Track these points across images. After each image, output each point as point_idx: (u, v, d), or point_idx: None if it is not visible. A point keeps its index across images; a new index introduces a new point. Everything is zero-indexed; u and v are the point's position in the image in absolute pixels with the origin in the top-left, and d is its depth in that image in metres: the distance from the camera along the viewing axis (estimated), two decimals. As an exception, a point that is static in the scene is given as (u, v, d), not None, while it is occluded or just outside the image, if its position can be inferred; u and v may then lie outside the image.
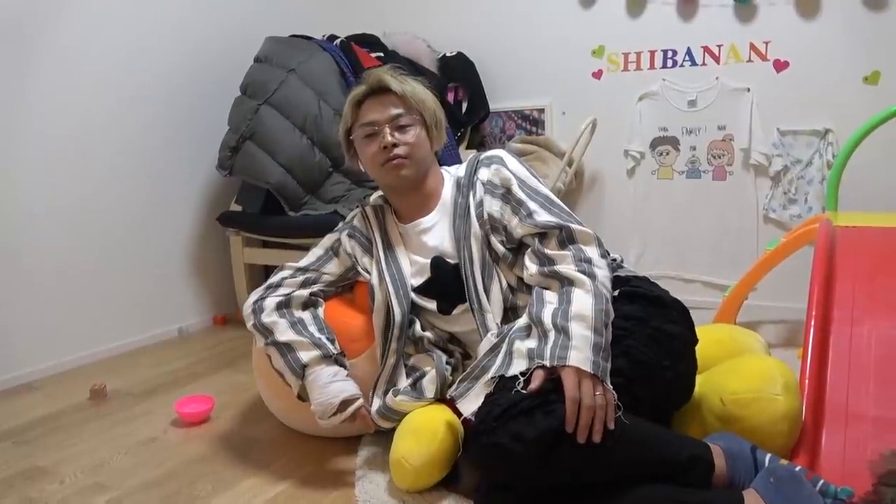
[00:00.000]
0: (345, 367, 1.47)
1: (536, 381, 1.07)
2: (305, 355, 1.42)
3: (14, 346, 2.16)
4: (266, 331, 1.48)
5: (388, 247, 1.53)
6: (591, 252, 1.27)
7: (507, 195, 1.40)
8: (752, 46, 2.48)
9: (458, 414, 1.34)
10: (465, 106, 2.89)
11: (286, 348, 1.44)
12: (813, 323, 1.42)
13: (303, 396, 1.44)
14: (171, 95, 2.61)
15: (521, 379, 1.09)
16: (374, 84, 1.46)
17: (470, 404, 1.16)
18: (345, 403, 1.39)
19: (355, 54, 2.68)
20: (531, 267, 1.31)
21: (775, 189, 2.53)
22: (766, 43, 2.46)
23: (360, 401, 1.41)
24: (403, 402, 1.43)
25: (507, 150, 1.51)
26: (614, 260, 1.41)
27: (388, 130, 1.42)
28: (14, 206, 2.15)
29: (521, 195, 1.38)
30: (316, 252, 1.61)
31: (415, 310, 1.51)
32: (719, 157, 2.60)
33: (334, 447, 1.58)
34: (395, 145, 1.42)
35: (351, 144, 1.53)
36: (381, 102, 1.45)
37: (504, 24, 2.91)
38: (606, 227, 2.77)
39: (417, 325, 1.50)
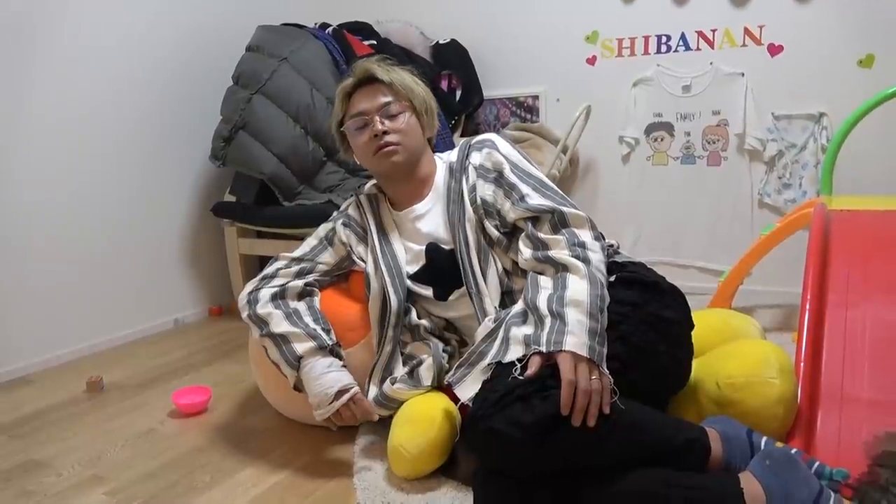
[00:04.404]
0: (340, 358, 1.47)
1: (533, 367, 1.07)
2: (300, 347, 1.42)
3: (9, 339, 2.16)
4: (261, 322, 1.47)
5: (383, 235, 1.52)
6: (585, 236, 1.27)
7: (499, 179, 1.40)
8: (747, 31, 2.47)
9: (456, 401, 1.35)
10: (458, 93, 2.88)
11: (281, 340, 1.44)
12: (808, 307, 1.42)
13: (299, 387, 1.44)
14: (163, 86, 2.59)
15: (518, 365, 1.09)
16: (361, 75, 1.47)
17: (467, 390, 1.16)
18: (340, 393, 1.39)
19: (348, 42, 2.66)
20: (525, 252, 1.31)
21: (770, 174, 2.53)
22: (761, 27, 2.45)
23: (356, 389, 1.41)
24: (400, 390, 1.43)
25: (502, 136, 1.50)
26: (611, 245, 1.41)
27: (377, 119, 1.43)
28: (7, 199, 2.13)
29: (513, 179, 1.38)
30: (311, 242, 1.61)
31: (411, 297, 1.51)
32: (714, 143, 2.60)
33: (332, 436, 1.58)
34: (385, 133, 1.42)
35: (344, 137, 1.53)
36: (370, 92, 1.45)
37: (497, 10, 2.90)
38: (601, 214, 2.78)
39: (413, 313, 1.51)
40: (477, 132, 3.00)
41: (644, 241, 2.78)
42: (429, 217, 1.49)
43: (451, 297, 1.47)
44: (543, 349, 1.08)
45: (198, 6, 2.70)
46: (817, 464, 1.08)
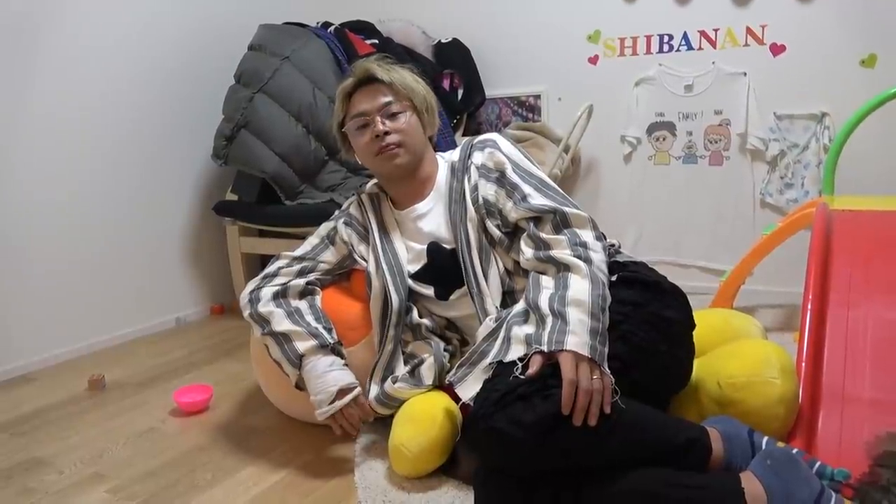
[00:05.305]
0: (342, 357, 1.47)
1: (534, 366, 1.07)
2: (302, 345, 1.42)
3: (10, 337, 2.16)
4: (263, 321, 1.48)
5: (385, 234, 1.53)
6: (586, 236, 1.27)
7: (501, 179, 1.40)
8: (749, 30, 2.47)
9: (457, 400, 1.35)
10: (460, 93, 2.88)
11: (283, 338, 1.44)
12: (809, 307, 1.42)
13: (300, 386, 1.45)
14: (164, 85, 2.59)
15: (520, 364, 1.09)
16: (361, 75, 1.47)
17: (468, 389, 1.16)
18: (342, 392, 1.40)
19: (350, 41, 2.66)
20: (527, 251, 1.31)
21: (772, 173, 2.53)
22: (763, 27, 2.45)
23: (358, 389, 1.42)
24: (402, 389, 1.43)
25: (504, 136, 1.50)
26: (612, 245, 1.41)
27: (378, 119, 1.43)
28: (9, 198, 2.14)
29: (514, 178, 1.38)
30: (312, 241, 1.61)
31: (412, 296, 1.51)
32: (716, 142, 2.60)
33: (333, 435, 1.57)
34: (387, 133, 1.42)
35: (345, 137, 1.53)
36: (370, 92, 1.45)
37: (499, 9, 2.90)
38: (603, 213, 2.78)
39: (415, 312, 1.51)
40: (479, 131, 3.00)
41: (645, 240, 2.77)
42: (430, 216, 1.49)
43: (452, 297, 1.48)
44: (545, 348, 1.08)
45: (199, 5, 2.71)
46: (818, 464, 1.08)
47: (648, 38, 2.64)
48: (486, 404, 1.07)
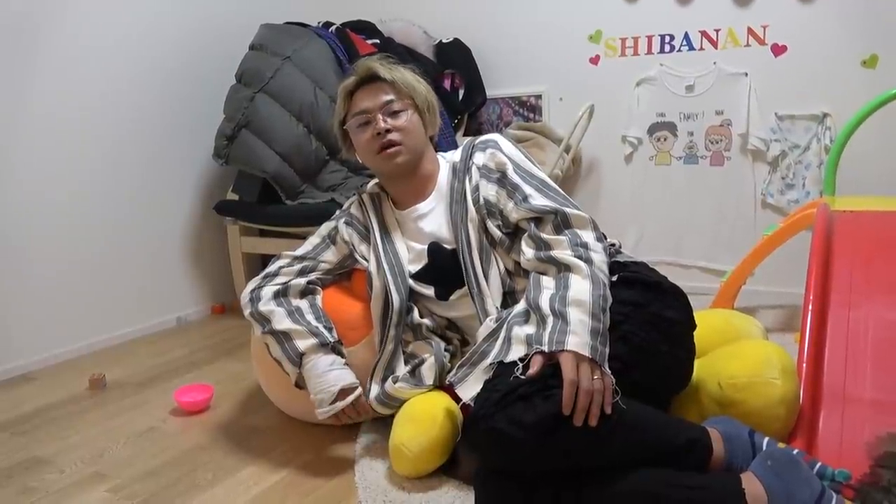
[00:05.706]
0: (342, 356, 1.47)
1: (535, 366, 1.07)
2: (302, 344, 1.42)
3: (11, 337, 2.16)
4: (263, 319, 1.48)
5: (385, 234, 1.53)
6: (587, 236, 1.27)
7: (502, 179, 1.40)
8: (750, 31, 2.47)
9: (457, 400, 1.35)
10: (461, 93, 2.88)
11: (283, 337, 1.44)
12: (810, 307, 1.42)
13: (300, 385, 1.45)
14: (165, 85, 2.59)
15: (520, 365, 1.09)
16: (363, 73, 1.47)
17: (469, 389, 1.16)
18: (343, 392, 1.40)
19: (351, 41, 2.66)
20: (528, 252, 1.31)
21: (773, 174, 2.52)
22: (764, 27, 2.45)
23: (359, 389, 1.42)
24: (402, 388, 1.43)
25: (505, 136, 1.51)
26: (613, 245, 1.41)
27: (380, 117, 1.43)
28: (10, 197, 2.14)
29: (516, 179, 1.38)
30: (313, 240, 1.61)
31: (413, 296, 1.51)
32: (717, 143, 2.60)
33: (334, 434, 1.58)
34: (388, 131, 1.42)
35: (346, 136, 1.53)
36: (372, 91, 1.46)
37: (500, 9, 2.90)
38: (604, 213, 2.78)
39: (416, 312, 1.51)
40: (480, 131, 3.00)
41: (646, 240, 2.77)
42: (431, 216, 1.49)
43: (452, 297, 1.48)
44: (545, 349, 1.08)
45: (200, 5, 2.71)
46: (819, 465, 1.08)
47: (650, 38, 2.64)
48: (486, 404, 1.07)
